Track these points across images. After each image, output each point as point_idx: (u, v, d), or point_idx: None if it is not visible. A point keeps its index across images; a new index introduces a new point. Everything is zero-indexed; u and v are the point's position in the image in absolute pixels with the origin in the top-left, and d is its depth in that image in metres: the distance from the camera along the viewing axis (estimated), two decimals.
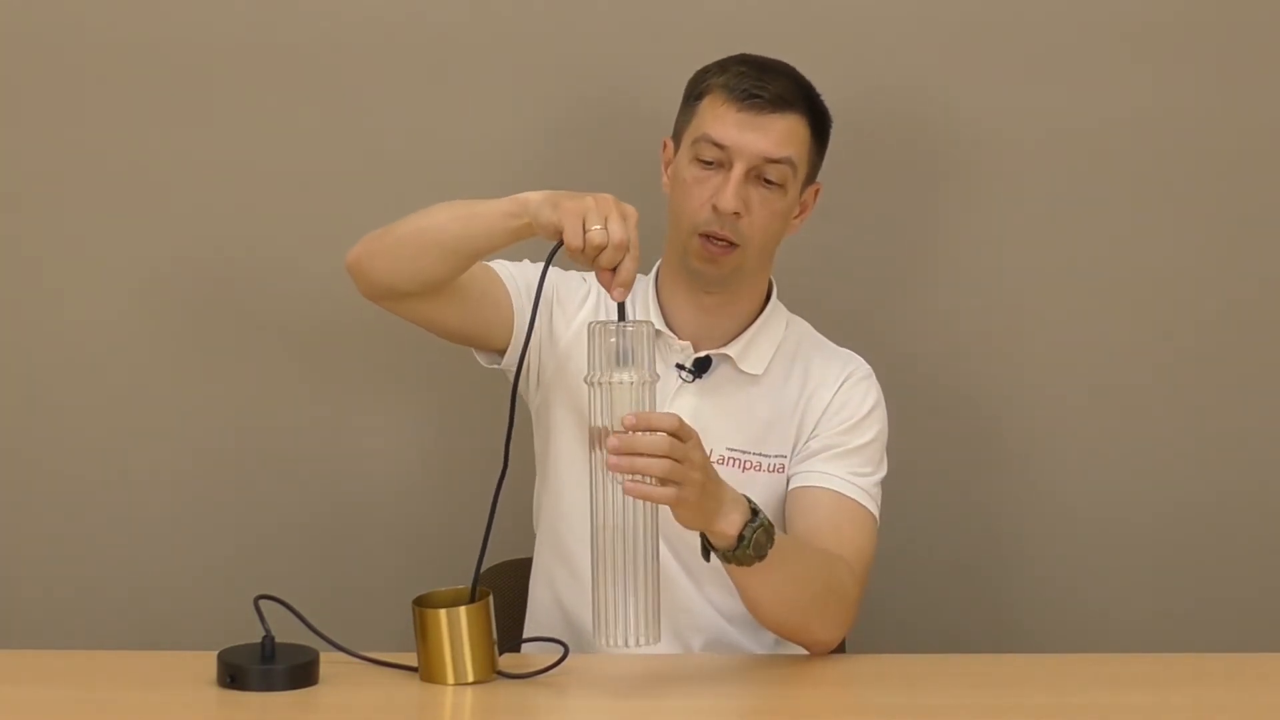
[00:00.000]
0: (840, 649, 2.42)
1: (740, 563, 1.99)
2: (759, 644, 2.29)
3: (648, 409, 1.92)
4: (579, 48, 2.64)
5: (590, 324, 1.95)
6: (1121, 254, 2.68)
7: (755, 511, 1.99)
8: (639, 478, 1.88)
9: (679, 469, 1.89)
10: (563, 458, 2.27)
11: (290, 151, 2.65)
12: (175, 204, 2.65)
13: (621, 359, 1.92)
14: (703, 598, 2.26)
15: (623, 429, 1.89)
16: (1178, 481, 2.71)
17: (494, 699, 1.95)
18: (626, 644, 1.93)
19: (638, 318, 2.25)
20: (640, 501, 1.90)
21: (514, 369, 2.13)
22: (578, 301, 2.30)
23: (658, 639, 1.94)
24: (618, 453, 1.88)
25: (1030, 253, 2.69)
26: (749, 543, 1.97)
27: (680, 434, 1.90)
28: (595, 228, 1.96)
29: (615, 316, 1.96)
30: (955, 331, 2.69)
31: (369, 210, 2.55)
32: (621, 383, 1.91)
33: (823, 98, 2.26)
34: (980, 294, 2.69)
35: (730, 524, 1.97)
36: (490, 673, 1.99)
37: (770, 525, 2.00)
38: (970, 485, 2.71)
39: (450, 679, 1.97)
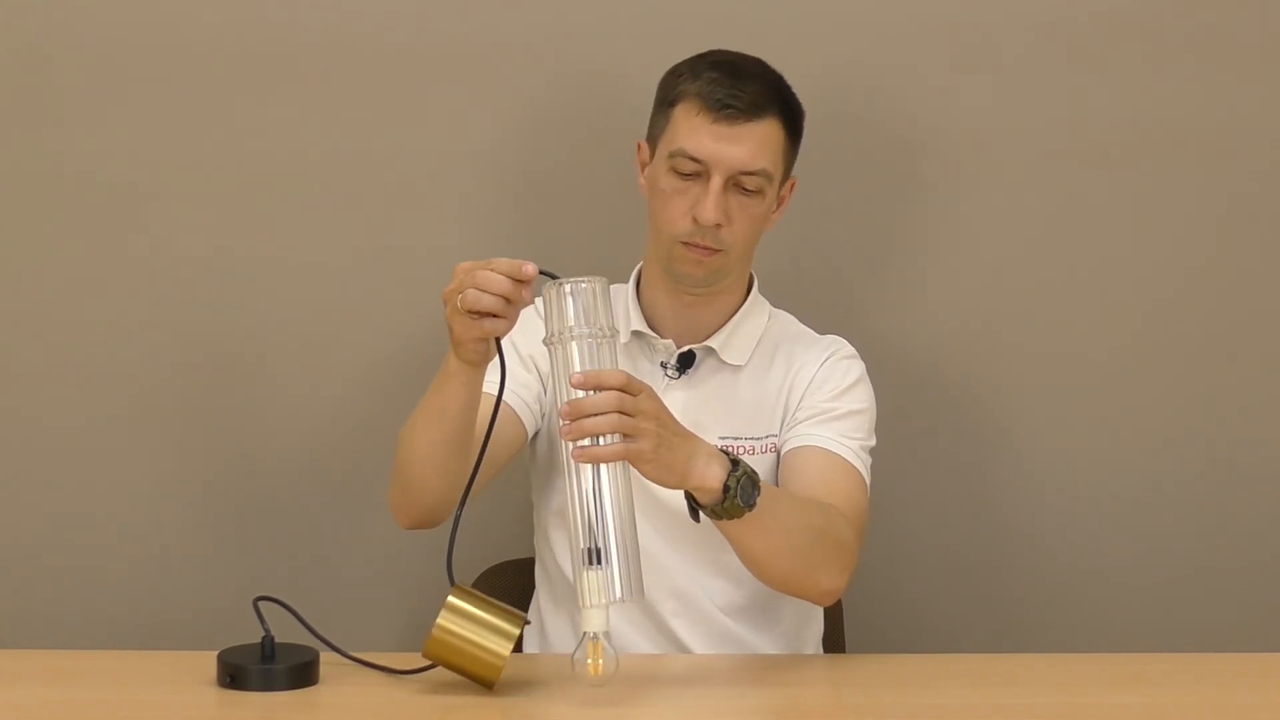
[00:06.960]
0: (840, 649, 2.43)
1: (730, 515, 1.98)
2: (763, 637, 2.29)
3: (606, 365, 1.91)
4: (566, 48, 2.62)
5: (544, 286, 1.94)
6: (1114, 249, 2.68)
7: (736, 461, 1.98)
8: (586, 444, 1.88)
9: (629, 422, 1.88)
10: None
11: (283, 153, 2.64)
12: (173, 207, 2.65)
13: (576, 316, 1.91)
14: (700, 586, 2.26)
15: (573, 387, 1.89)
16: (1178, 480, 2.71)
17: (495, 700, 1.95)
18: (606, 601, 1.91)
19: (618, 322, 2.25)
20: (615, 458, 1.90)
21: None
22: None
23: (640, 596, 1.91)
24: (567, 418, 1.88)
25: (1022, 249, 2.68)
26: (735, 492, 1.96)
27: (629, 388, 1.90)
28: (457, 330, 1.95)
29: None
30: (949, 329, 2.69)
31: (367, 210, 2.56)
32: (579, 339, 1.91)
33: (794, 90, 2.24)
34: (972, 290, 2.69)
35: (711, 476, 1.95)
36: (493, 674, 1.98)
37: (754, 473, 1.99)
38: (967, 484, 2.71)
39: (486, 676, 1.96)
